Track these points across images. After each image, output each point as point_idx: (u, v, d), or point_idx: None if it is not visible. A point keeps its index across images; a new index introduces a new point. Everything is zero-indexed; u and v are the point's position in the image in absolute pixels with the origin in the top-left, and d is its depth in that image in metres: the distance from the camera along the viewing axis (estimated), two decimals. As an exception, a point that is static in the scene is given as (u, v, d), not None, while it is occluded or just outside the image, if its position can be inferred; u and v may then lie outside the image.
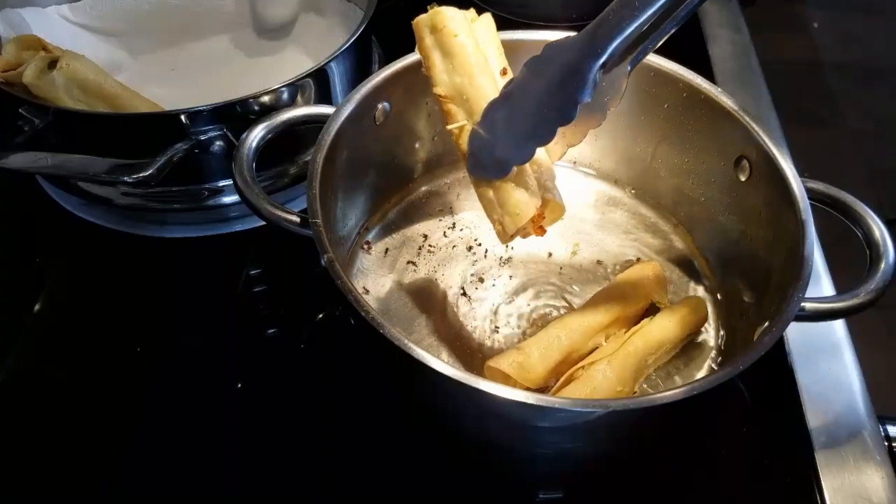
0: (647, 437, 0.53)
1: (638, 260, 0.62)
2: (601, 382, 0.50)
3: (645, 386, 0.54)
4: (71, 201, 0.67)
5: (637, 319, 0.57)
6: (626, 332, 0.55)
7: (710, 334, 0.58)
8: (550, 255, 0.63)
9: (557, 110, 0.45)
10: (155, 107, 0.68)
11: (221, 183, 0.63)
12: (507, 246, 0.63)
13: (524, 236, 0.50)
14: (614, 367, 0.51)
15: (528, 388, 0.51)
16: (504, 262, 0.62)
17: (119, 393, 0.56)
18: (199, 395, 0.56)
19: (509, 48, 0.64)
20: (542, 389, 0.52)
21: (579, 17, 0.89)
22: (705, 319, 0.57)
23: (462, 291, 0.60)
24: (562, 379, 0.52)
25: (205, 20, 0.80)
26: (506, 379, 0.51)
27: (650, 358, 0.53)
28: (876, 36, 2.28)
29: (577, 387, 0.50)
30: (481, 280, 0.61)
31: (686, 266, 0.63)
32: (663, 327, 0.54)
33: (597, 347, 0.54)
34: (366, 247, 0.61)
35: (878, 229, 0.52)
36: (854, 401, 0.55)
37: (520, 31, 0.64)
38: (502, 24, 0.68)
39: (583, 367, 0.52)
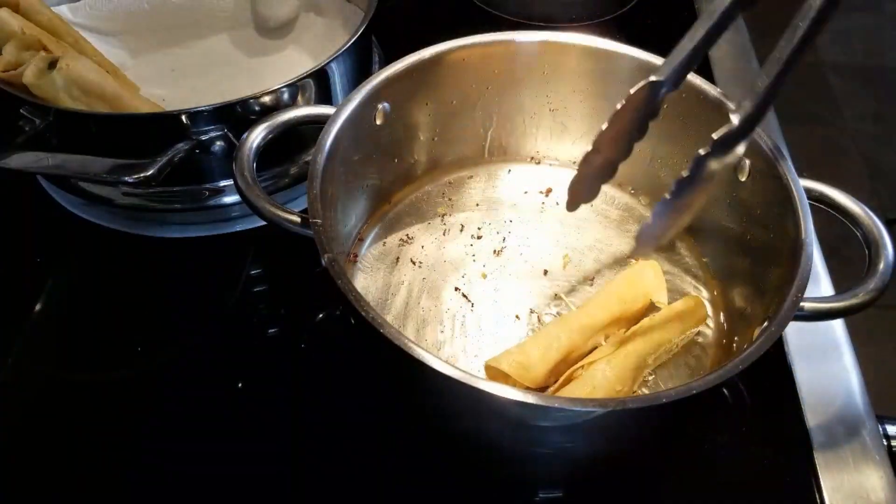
0: (646, 436, 0.53)
1: (637, 260, 0.62)
2: (601, 382, 0.50)
3: (644, 387, 0.54)
4: (72, 201, 0.67)
5: (636, 319, 0.57)
6: (625, 332, 0.55)
7: (709, 334, 0.58)
8: (551, 255, 0.63)
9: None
10: (155, 107, 0.69)
11: (222, 183, 0.63)
12: (505, 244, 0.63)
13: None
14: (614, 366, 0.51)
15: (527, 388, 0.51)
16: (505, 262, 0.62)
17: (119, 393, 0.56)
18: (200, 395, 0.56)
19: (509, 49, 0.64)
20: (541, 389, 0.52)
21: (579, 18, 0.89)
22: (704, 319, 0.57)
23: (462, 291, 0.60)
24: (561, 378, 0.52)
25: (205, 20, 0.80)
26: (505, 378, 0.51)
27: (649, 358, 0.53)
28: (876, 36, 2.28)
29: (577, 386, 0.50)
30: (482, 279, 0.61)
31: (685, 266, 0.63)
32: (663, 327, 0.54)
33: (596, 347, 0.54)
34: (353, 257, 0.61)
35: (878, 229, 0.52)
36: (853, 400, 0.55)
37: (520, 32, 0.64)
38: (502, 25, 0.69)
39: (582, 366, 0.52)
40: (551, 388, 0.52)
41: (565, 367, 0.53)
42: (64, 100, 0.61)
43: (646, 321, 0.55)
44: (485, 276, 0.61)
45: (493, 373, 0.52)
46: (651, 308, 0.58)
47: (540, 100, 0.67)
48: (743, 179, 0.58)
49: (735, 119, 0.43)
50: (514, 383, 0.51)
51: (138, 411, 0.55)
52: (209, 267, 0.65)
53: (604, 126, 0.49)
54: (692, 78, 0.61)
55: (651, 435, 0.54)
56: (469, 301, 0.59)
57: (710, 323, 0.58)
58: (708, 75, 0.83)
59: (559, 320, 0.55)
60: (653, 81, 0.46)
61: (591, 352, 0.54)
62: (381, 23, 0.70)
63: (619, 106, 0.48)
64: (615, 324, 0.55)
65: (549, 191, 0.68)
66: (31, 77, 0.59)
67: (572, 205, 0.55)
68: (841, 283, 0.62)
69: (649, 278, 0.58)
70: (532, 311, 0.59)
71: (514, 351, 0.52)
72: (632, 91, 0.47)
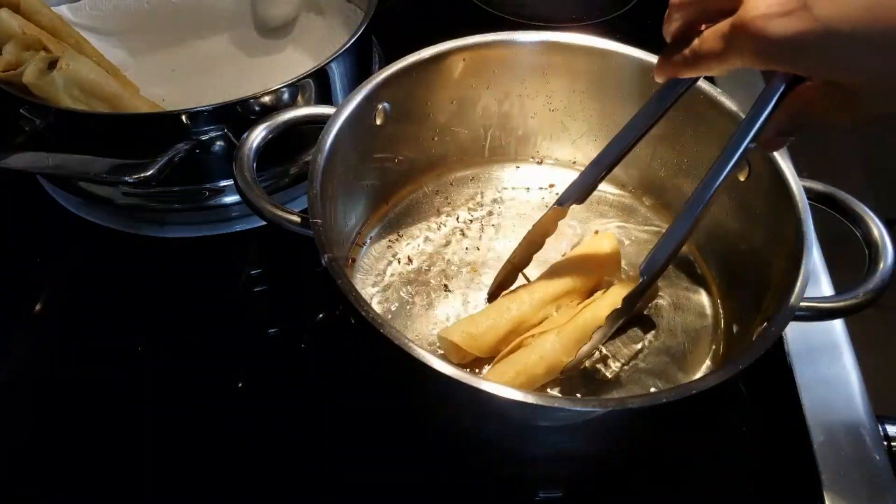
0: (646, 436, 0.53)
1: (596, 232, 0.63)
2: (549, 351, 0.52)
3: (640, 385, 0.54)
4: (71, 201, 0.67)
5: (591, 292, 0.57)
6: (578, 305, 0.55)
7: (709, 334, 0.58)
8: (550, 255, 0.63)
9: None
10: (155, 107, 0.69)
11: (222, 183, 0.63)
12: (504, 245, 0.63)
13: None
14: (562, 337, 0.52)
15: (477, 357, 0.53)
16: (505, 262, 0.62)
17: (119, 393, 0.56)
18: (200, 395, 0.56)
19: (509, 49, 0.64)
20: (490, 357, 0.53)
21: (579, 18, 0.89)
22: (655, 295, 0.58)
23: (462, 291, 0.60)
24: (511, 345, 0.53)
25: (205, 20, 0.80)
26: (457, 349, 0.52)
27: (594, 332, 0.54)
28: (875, 36, 2.27)
29: (525, 353, 0.52)
30: (482, 279, 0.61)
31: (685, 266, 0.63)
32: (614, 303, 0.54)
33: (547, 318, 0.55)
34: (353, 257, 0.61)
35: (878, 229, 0.52)
36: (853, 400, 0.55)
37: (520, 32, 0.64)
38: (502, 25, 0.69)
39: (533, 335, 0.53)
40: (499, 355, 0.53)
41: (516, 337, 0.54)
42: (64, 100, 0.61)
43: (598, 295, 0.56)
44: (484, 277, 0.61)
45: (447, 344, 0.53)
46: (606, 282, 0.58)
47: (540, 100, 0.67)
48: (742, 179, 0.58)
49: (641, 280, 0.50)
50: (465, 354, 0.53)
51: (138, 411, 0.55)
52: (209, 267, 0.65)
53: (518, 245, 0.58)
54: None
55: (651, 435, 0.53)
56: (468, 301, 0.59)
57: (710, 323, 0.58)
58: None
59: (511, 293, 0.57)
60: (557, 209, 0.54)
61: (541, 323, 0.55)
62: (381, 23, 0.70)
63: (531, 228, 0.57)
64: (568, 296, 0.56)
65: (551, 185, 0.68)
66: (31, 77, 0.59)
67: (496, 293, 0.59)
68: (841, 283, 0.62)
69: (604, 252, 0.59)
70: (532, 311, 0.59)
71: (465, 321, 0.54)
72: (541, 217, 0.56)
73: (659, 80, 0.47)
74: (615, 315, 0.50)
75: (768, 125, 0.43)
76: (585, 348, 0.51)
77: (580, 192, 0.54)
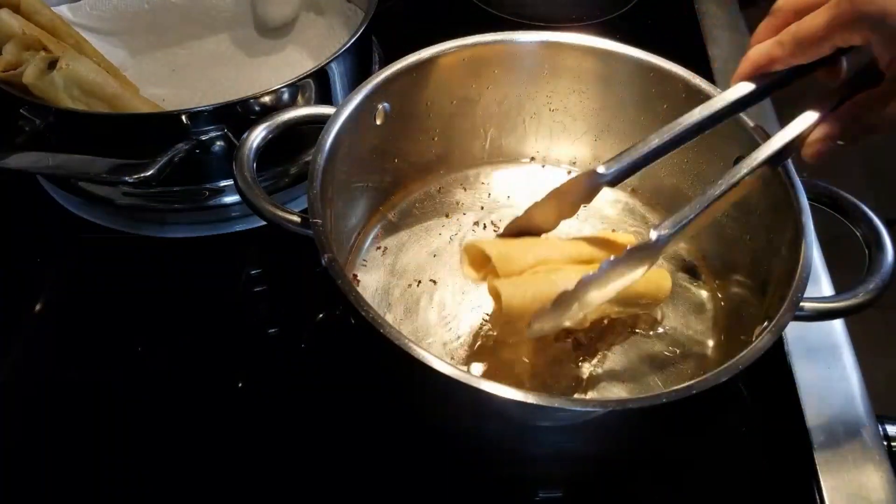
0: (646, 436, 0.53)
1: (613, 231, 0.63)
2: (561, 277, 0.49)
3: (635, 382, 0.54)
4: (71, 201, 0.67)
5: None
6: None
7: (709, 334, 0.58)
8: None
9: None
10: (155, 107, 0.69)
11: (222, 183, 0.63)
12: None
13: None
14: (577, 270, 0.49)
15: (498, 277, 0.50)
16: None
17: (119, 393, 0.56)
18: (200, 395, 0.56)
19: (509, 49, 0.64)
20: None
21: (579, 18, 0.89)
22: (665, 295, 0.56)
23: (462, 292, 0.60)
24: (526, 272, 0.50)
25: (205, 20, 0.80)
26: (481, 262, 0.50)
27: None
28: (875, 36, 2.27)
29: (540, 276, 0.49)
30: (481, 279, 0.60)
31: (685, 266, 0.63)
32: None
33: None
34: (353, 257, 0.61)
35: (878, 229, 0.52)
36: (853, 400, 0.55)
37: (520, 32, 0.64)
38: (502, 25, 0.69)
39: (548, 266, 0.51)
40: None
41: None
42: (64, 100, 0.61)
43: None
44: (484, 276, 0.61)
45: (475, 253, 0.51)
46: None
47: (540, 100, 0.67)
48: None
49: (653, 236, 0.47)
50: (485, 272, 0.50)
51: (138, 411, 0.55)
52: (209, 267, 0.65)
53: (541, 198, 0.52)
54: (692, 77, 0.61)
55: (651, 435, 0.54)
56: (470, 301, 0.59)
57: (710, 323, 0.58)
58: (708, 75, 0.83)
59: (545, 237, 0.54)
60: (597, 171, 0.49)
61: None
62: (381, 23, 0.71)
63: (559, 185, 0.51)
64: (584, 264, 0.53)
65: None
66: (31, 77, 0.59)
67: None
68: (841, 283, 0.62)
69: (622, 246, 0.56)
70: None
71: (499, 241, 0.52)
72: (574, 176, 0.50)
73: (744, 71, 0.46)
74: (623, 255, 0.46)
75: (817, 130, 0.44)
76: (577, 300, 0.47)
77: (624, 170, 0.49)
